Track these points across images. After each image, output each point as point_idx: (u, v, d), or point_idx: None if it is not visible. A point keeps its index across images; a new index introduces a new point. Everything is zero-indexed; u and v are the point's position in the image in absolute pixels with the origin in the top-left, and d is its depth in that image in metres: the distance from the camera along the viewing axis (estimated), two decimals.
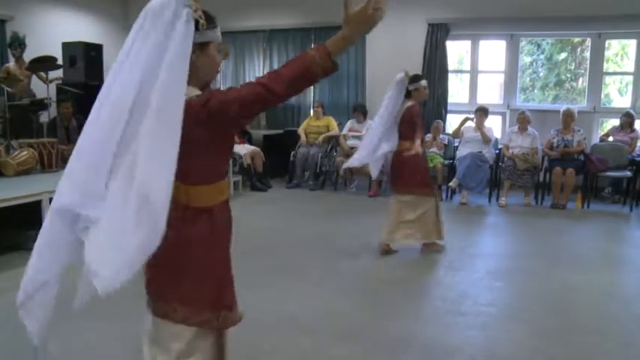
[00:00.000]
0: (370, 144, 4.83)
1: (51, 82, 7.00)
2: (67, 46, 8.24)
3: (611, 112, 8.11)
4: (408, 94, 4.78)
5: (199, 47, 1.68)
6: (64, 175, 1.61)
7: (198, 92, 1.69)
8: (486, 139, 7.41)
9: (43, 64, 6.88)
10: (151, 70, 1.55)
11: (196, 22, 1.63)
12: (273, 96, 1.61)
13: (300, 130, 8.46)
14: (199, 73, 1.71)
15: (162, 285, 1.80)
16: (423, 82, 4.86)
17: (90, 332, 3.21)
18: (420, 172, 4.82)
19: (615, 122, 7.75)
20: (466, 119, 7.49)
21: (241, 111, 1.64)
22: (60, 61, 7.50)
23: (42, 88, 6.99)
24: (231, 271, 1.92)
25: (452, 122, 8.59)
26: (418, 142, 4.73)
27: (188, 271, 1.77)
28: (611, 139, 7.54)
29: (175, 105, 1.55)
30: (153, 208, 1.50)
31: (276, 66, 9.44)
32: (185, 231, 1.73)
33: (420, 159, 4.80)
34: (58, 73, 7.58)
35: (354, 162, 4.95)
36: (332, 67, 1.63)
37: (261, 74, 9.90)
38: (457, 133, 7.60)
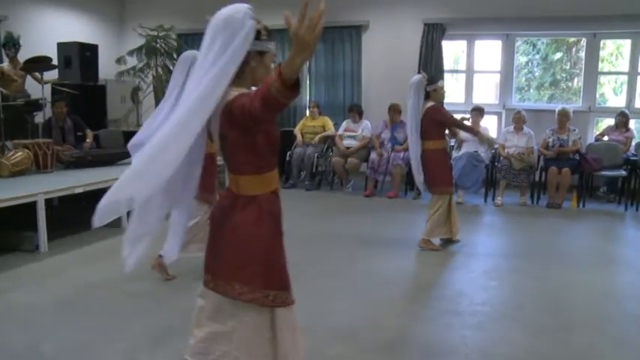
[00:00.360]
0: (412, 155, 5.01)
1: (46, 83, 6.97)
2: (62, 47, 8.21)
3: (606, 112, 8.16)
4: (427, 95, 4.90)
5: (258, 55, 1.91)
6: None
7: (241, 91, 1.87)
8: (482, 139, 7.41)
9: (38, 64, 6.85)
10: (211, 67, 1.79)
11: (258, 33, 1.86)
12: (258, 111, 1.70)
13: (296, 130, 8.45)
14: (254, 77, 1.93)
15: (219, 264, 2.00)
16: (441, 83, 5.06)
17: (86, 332, 3.20)
18: (438, 171, 4.94)
19: (610, 122, 7.78)
20: (462, 119, 7.49)
21: (243, 118, 1.79)
22: (55, 62, 7.47)
23: (37, 88, 6.97)
24: (284, 256, 2.06)
25: None
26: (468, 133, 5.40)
27: (239, 252, 1.97)
28: (606, 138, 7.57)
29: (212, 95, 1.78)
30: (152, 170, 1.81)
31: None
32: (235, 216, 1.96)
33: (438, 158, 4.93)
34: (53, 74, 7.55)
35: (420, 182, 5.04)
36: (289, 94, 1.61)
37: None
38: (456, 135, 7.60)
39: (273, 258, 2.01)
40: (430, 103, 4.90)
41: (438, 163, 4.91)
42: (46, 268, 4.41)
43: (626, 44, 8.12)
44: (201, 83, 1.78)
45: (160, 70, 8.89)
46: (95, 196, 5.75)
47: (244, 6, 1.86)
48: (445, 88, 5.13)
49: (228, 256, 1.98)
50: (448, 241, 5.13)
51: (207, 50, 1.82)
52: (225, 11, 1.84)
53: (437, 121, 4.89)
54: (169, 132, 1.79)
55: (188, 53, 3.74)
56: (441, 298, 3.90)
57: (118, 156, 6.74)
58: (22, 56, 7.16)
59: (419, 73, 5.19)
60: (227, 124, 1.85)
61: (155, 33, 8.84)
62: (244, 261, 1.96)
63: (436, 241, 5.11)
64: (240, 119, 1.79)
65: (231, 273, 1.96)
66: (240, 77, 1.86)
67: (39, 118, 7.18)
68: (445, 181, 4.96)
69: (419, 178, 4.97)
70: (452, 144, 7.78)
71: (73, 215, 5.95)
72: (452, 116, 5.04)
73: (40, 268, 4.43)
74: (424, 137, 4.89)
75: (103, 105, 9.16)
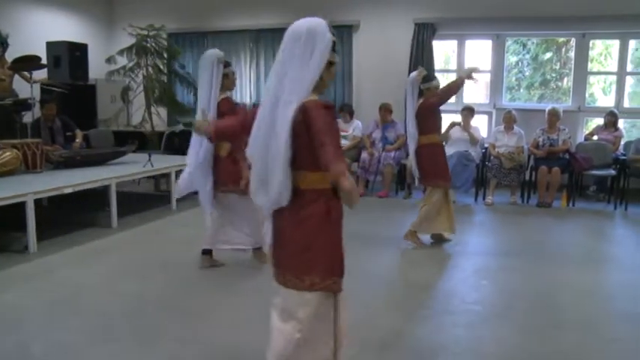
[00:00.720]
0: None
1: (35, 82, 6.91)
2: (51, 46, 8.15)
3: (596, 112, 8.20)
4: (421, 93, 4.99)
5: (330, 65, 2.12)
6: None
7: (316, 97, 2.08)
8: (474, 141, 7.45)
9: (27, 63, 6.79)
10: (295, 72, 2.02)
11: (333, 45, 2.10)
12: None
13: None
14: (323, 83, 2.13)
15: (289, 259, 2.17)
16: (435, 82, 5.04)
17: (76, 333, 3.18)
18: (431, 164, 5.00)
19: (599, 121, 7.83)
20: (453, 124, 7.52)
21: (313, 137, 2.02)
22: (44, 61, 7.42)
23: (26, 87, 6.91)
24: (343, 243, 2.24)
25: None
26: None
27: (309, 244, 2.13)
28: (595, 138, 7.62)
29: (298, 96, 2.01)
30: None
31: (262, 67, 9.43)
32: (303, 211, 2.11)
33: (432, 152, 4.99)
34: (43, 73, 7.50)
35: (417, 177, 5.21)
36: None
37: (247, 75, 9.79)
38: (445, 137, 7.61)
39: (339, 247, 2.21)
40: (422, 100, 4.98)
41: (431, 157, 4.97)
42: (35, 269, 4.38)
43: (614, 44, 8.17)
44: (286, 100, 2.00)
45: (150, 69, 8.85)
46: (85, 196, 5.77)
47: (321, 20, 2.09)
48: (438, 90, 5.13)
49: (297, 249, 2.14)
50: (440, 239, 5.15)
51: (288, 62, 2.04)
52: (305, 24, 2.06)
53: (431, 112, 4.96)
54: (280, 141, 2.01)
55: (212, 52, 4.03)
56: (433, 297, 3.92)
57: (108, 156, 6.71)
58: (11, 55, 7.10)
59: (416, 69, 5.22)
60: (301, 127, 2.02)
61: (145, 32, 8.79)
62: (316, 252, 2.13)
63: (426, 238, 5.14)
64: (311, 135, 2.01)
65: (302, 266, 2.14)
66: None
67: (27, 117, 7.13)
68: (438, 175, 4.99)
69: (417, 173, 5.07)
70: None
71: (62, 215, 5.92)
72: (439, 94, 4.99)
73: (30, 268, 4.40)
74: (419, 133, 4.98)
75: (93, 105, 9.12)
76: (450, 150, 7.43)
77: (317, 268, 2.14)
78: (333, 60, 2.14)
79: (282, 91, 2.03)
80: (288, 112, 1.99)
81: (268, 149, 2.05)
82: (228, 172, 4.15)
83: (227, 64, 4.16)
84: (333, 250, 2.19)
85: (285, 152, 2.01)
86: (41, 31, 8.46)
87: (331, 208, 2.14)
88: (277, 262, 2.23)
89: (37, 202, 4.84)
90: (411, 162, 5.17)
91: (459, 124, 7.42)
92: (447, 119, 7.86)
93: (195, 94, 9.32)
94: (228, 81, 4.17)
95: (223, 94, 4.11)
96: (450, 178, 5.14)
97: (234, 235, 4.32)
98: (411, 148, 5.07)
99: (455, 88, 4.94)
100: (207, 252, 4.37)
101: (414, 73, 5.03)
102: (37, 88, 7.04)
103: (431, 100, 4.94)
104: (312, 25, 2.06)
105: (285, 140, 2.00)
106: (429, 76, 5.13)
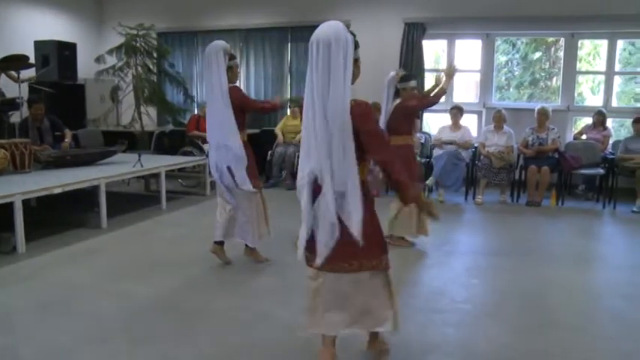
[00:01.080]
0: None
1: (23, 82, 6.85)
2: (39, 45, 8.08)
3: (584, 111, 8.26)
4: (397, 93, 4.97)
5: (356, 61, 2.37)
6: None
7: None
8: (467, 146, 7.46)
9: (15, 62, 6.73)
10: (334, 80, 2.22)
11: (356, 44, 2.33)
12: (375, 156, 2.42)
13: (277, 130, 8.43)
14: (354, 78, 2.36)
15: (335, 248, 2.39)
16: (412, 83, 5.04)
17: (66, 334, 3.16)
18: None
19: (588, 120, 7.89)
20: (443, 142, 7.52)
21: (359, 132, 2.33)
22: (32, 60, 7.36)
23: (14, 87, 6.84)
24: None
25: (428, 121, 8.70)
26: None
27: (368, 225, 2.37)
28: (584, 137, 7.67)
29: (347, 100, 2.26)
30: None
31: (252, 66, 9.42)
32: None
33: (403, 154, 4.93)
34: (31, 73, 7.43)
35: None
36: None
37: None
38: (440, 146, 7.63)
39: (378, 228, 2.52)
40: (399, 100, 4.95)
41: (402, 159, 4.91)
42: (24, 270, 4.34)
43: (602, 44, 8.23)
44: (336, 107, 2.22)
45: (139, 69, 8.81)
46: (74, 196, 5.74)
47: (341, 23, 2.28)
48: (425, 87, 5.13)
49: (343, 239, 2.36)
50: (400, 241, 5.09)
51: (323, 71, 2.23)
52: (329, 32, 2.24)
53: (409, 114, 4.97)
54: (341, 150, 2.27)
55: (218, 42, 4.21)
56: (423, 296, 3.92)
57: (97, 156, 6.67)
58: None
59: (404, 69, 5.22)
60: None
61: (135, 32, 8.76)
62: (370, 234, 2.39)
63: (420, 238, 5.14)
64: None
65: (349, 252, 2.38)
66: None
67: (15, 117, 7.07)
68: (409, 176, 4.96)
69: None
70: (422, 141, 7.84)
71: (51, 216, 5.88)
72: (419, 98, 5.05)
73: (18, 269, 4.36)
74: (390, 133, 4.90)
75: (82, 104, 9.07)
76: (440, 149, 7.47)
77: (363, 251, 2.39)
78: (358, 57, 2.38)
79: (327, 98, 2.22)
80: (347, 119, 2.22)
81: (337, 161, 2.26)
82: (251, 168, 4.28)
83: (232, 57, 4.26)
84: (375, 232, 2.47)
85: (354, 154, 2.26)
86: (29, 29, 8.41)
87: (367, 193, 2.37)
88: (339, 251, 2.41)
89: (26, 203, 4.81)
90: None
91: (450, 143, 7.44)
92: (437, 118, 7.92)
93: (185, 94, 9.42)
94: (231, 73, 4.24)
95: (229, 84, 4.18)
96: (420, 179, 5.13)
97: (239, 229, 4.40)
98: None
99: (439, 96, 4.99)
100: (219, 243, 4.43)
101: (392, 73, 4.99)
102: (24, 87, 6.98)
103: (411, 103, 4.92)
104: (334, 31, 2.23)
105: (353, 147, 2.24)
106: (407, 76, 5.10)
